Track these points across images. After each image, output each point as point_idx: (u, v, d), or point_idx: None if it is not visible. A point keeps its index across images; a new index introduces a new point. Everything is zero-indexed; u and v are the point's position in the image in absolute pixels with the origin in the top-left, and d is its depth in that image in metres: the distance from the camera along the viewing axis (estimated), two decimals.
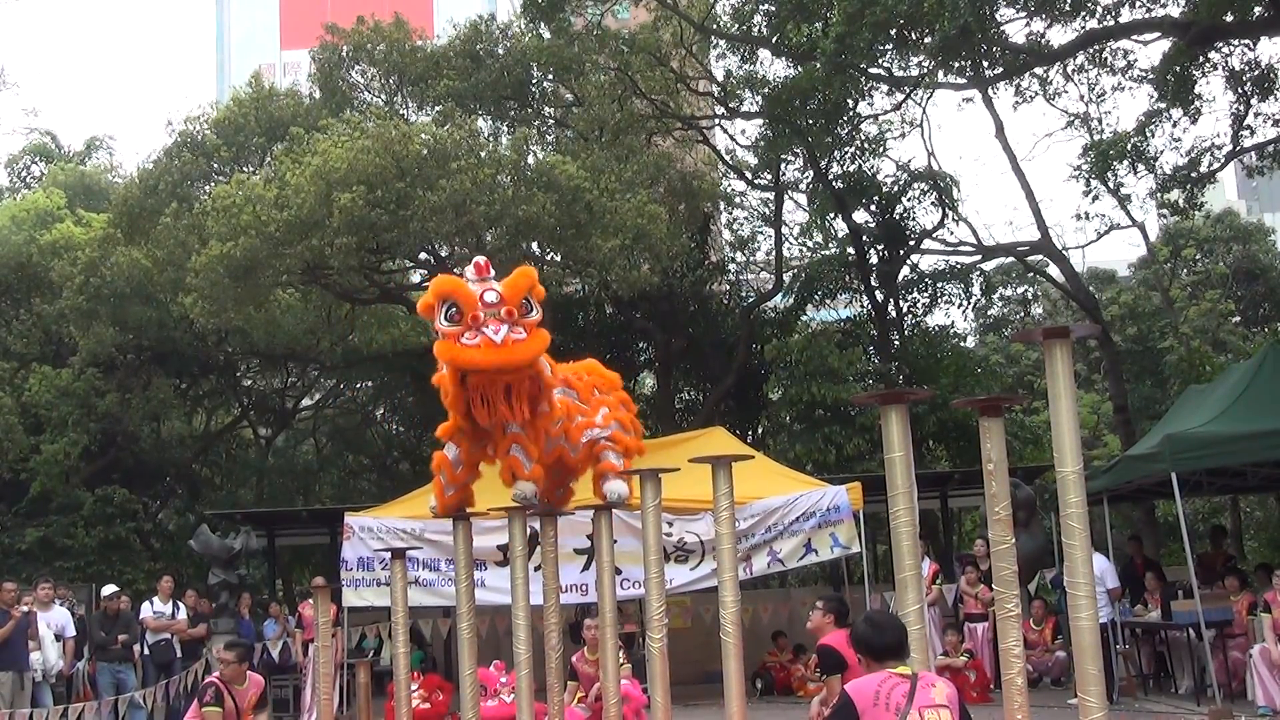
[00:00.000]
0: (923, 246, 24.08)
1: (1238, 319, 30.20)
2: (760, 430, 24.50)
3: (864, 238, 23.17)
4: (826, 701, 7.14)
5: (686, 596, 14.82)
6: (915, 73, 19.16)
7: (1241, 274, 29.80)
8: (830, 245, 24.55)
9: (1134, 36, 19.06)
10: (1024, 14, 17.48)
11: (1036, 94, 20.97)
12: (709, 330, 23.33)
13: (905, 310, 24.37)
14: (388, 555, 10.04)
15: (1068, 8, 17.05)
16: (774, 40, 19.78)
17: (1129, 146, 17.86)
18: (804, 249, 26.06)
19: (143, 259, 19.29)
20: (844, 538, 13.05)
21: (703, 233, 23.31)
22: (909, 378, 21.20)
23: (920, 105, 22.61)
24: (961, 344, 26.01)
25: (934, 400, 18.40)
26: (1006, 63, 18.25)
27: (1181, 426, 12.85)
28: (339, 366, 24.61)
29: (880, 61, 18.28)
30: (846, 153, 22.46)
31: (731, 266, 25.90)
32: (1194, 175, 19.32)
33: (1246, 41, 17.89)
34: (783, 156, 22.53)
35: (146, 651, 14.38)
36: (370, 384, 27.41)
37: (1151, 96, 18.89)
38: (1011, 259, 26.22)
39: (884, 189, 23.11)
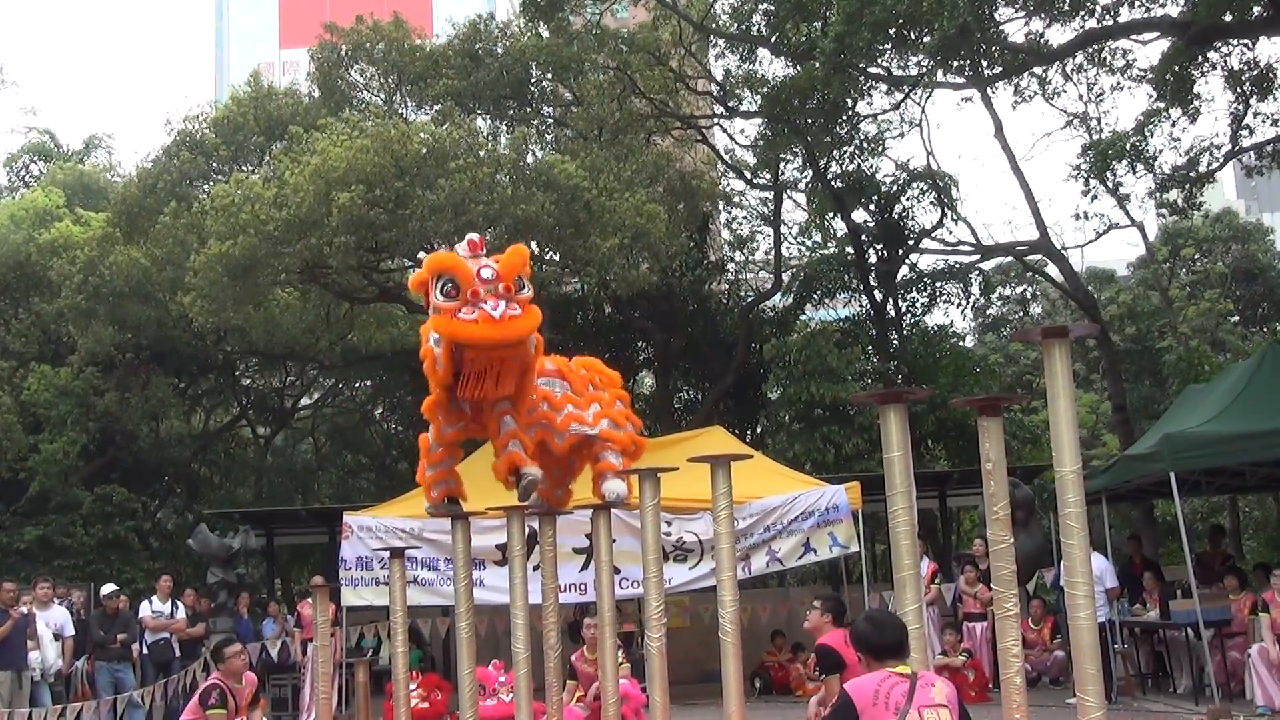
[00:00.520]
0: (922, 246, 24.08)
1: (1236, 319, 30.21)
2: (759, 429, 24.50)
3: (863, 237, 23.17)
4: (825, 701, 7.14)
5: (685, 596, 14.81)
6: (914, 72, 19.15)
7: (1240, 274, 29.82)
8: (829, 245, 24.56)
9: (1133, 36, 19.07)
10: (1023, 13, 17.48)
11: (1035, 94, 20.98)
12: (708, 329, 23.33)
13: (904, 310, 24.36)
14: (386, 554, 10.05)
15: (1067, 7, 17.05)
16: (773, 39, 19.78)
17: (1128, 146, 17.87)
18: (803, 248, 26.08)
19: (141, 258, 19.28)
20: (843, 537, 13.05)
21: (702, 232, 23.31)
22: (908, 377, 21.21)
23: (919, 105, 22.61)
24: (960, 343, 26.03)
25: (933, 400, 18.41)
26: (1005, 62, 18.24)
27: (1180, 426, 12.85)
28: (338, 366, 24.60)
29: (879, 61, 18.27)
30: (845, 152, 22.45)
31: (730, 266, 25.90)
32: (1193, 175, 19.33)
33: (1245, 41, 17.90)
34: (782, 156, 22.53)
35: (145, 651, 14.38)
36: (369, 383, 27.42)
37: (1150, 96, 18.96)
38: (1010, 259, 26.23)
39: (883, 188, 23.10)
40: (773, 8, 19.17)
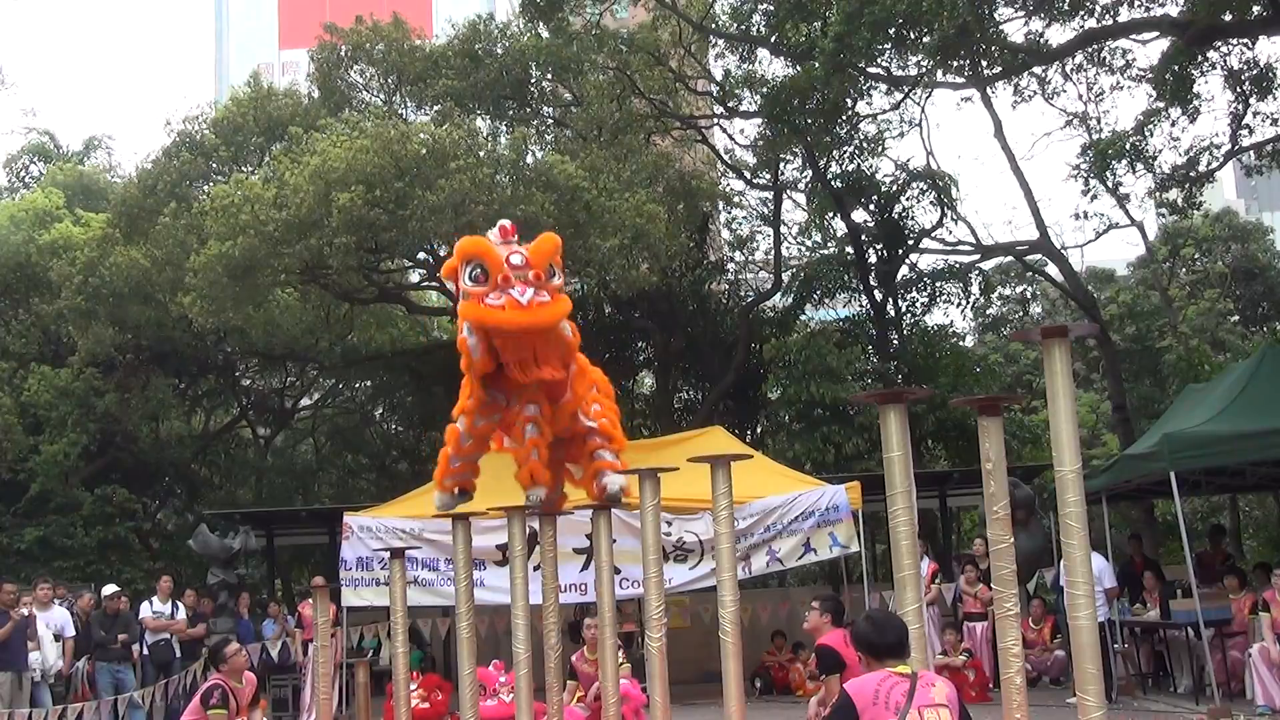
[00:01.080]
0: (921, 246, 24.06)
1: (1236, 318, 30.19)
2: (759, 429, 24.50)
3: (863, 237, 23.16)
4: (824, 701, 7.14)
5: (685, 596, 14.81)
6: (914, 72, 19.16)
7: (1240, 273, 29.79)
8: (829, 244, 24.52)
9: (1133, 36, 19.07)
10: (1022, 13, 17.49)
11: (1035, 93, 20.97)
12: (708, 329, 23.32)
13: (904, 310, 24.34)
14: (387, 555, 10.04)
15: (1066, 7, 17.07)
16: (772, 39, 19.80)
17: (1128, 146, 17.88)
18: (803, 248, 26.06)
19: (141, 259, 19.27)
20: (843, 537, 13.05)
21: (701, 232, 23.31)
22: (908, 377, 21.20)
23: (919, 104, 22.60)
24: (960, 343, 26.00)
25: (933, 399, 18.40)
26: (1005, 62, 18.25)
27: (1180, 425, 12.85)
28: (338, 366, 24.62)
29: (879, 61, 18.28)
30: (845, 152, 22.44)
31: (730, 266, 25.90)
32: (1192, 174, 19.34)
33: (1245, 41, 17.90)
34: (781, 156, 22.51)
35: (145, 651, 14.38)
36: (369, 383, 27.41)
37: (1150, 96, 18.94)
38: (1010, 258, 26.19)
39: (883, 188, 23.09)
40: (772, 8, 19.17)
